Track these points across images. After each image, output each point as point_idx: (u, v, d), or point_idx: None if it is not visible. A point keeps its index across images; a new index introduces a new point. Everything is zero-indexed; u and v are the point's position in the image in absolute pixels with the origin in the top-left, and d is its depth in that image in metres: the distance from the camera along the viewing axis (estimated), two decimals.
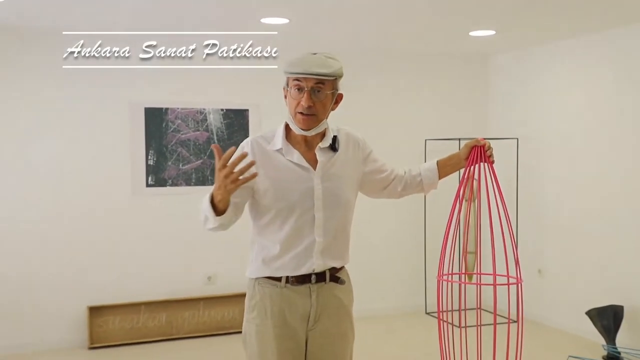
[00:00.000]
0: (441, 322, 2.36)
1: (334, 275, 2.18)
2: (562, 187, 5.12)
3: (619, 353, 4.17)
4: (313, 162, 2.13)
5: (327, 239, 2.12)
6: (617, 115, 4.63)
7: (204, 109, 5.00)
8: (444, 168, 2.31)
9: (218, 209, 1.93)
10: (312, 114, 2.04)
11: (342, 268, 2.24)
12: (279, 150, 2.12)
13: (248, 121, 5.15)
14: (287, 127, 2.16)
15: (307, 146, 2.15)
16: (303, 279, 2.11)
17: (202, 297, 4.96)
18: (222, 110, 5.05)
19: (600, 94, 4.77)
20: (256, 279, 2.17)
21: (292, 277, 2.11)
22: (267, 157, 2.12)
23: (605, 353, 4.27)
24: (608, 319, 4.30)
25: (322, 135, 2.16)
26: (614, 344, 4.25)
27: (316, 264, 2.11)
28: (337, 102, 2.16)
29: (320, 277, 2.13)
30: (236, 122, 5.08)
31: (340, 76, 2.08)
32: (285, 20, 4.35)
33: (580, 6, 3.86)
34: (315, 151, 2.14)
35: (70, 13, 4.23)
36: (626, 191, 4.53)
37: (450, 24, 4.45)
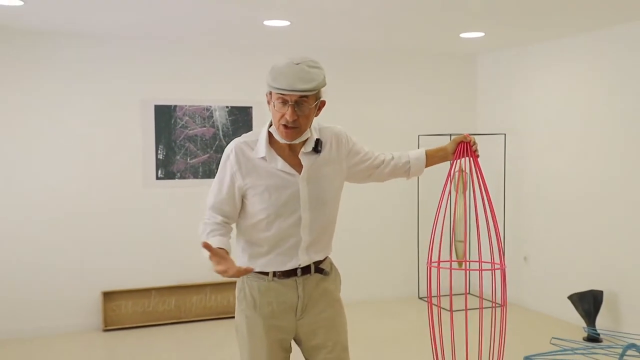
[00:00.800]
0: (431, 306, 2.45)
1: (318, 267, 2.21)
2: (546, 180, 5.32)
3: (599, 335, 4.34)
4: (298, 167, 2.11)
5: (312, 237, 2.14)
6: (598, 112, 4.85)
7: (210, 106, 5.18)
8: (432, 159, 2.35)
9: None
10: (296, 127, 2.01)
11: (325, 259, 2.26)
12: (263, 158, 2.09)
13: (252, 118, 5.37)
14: (269, 132, 2.12)
15: (290, 150, 2.12)
16: (289, 273, 2.14)
17: (209, 283, 5.15)
18: (227, 107, 5.24)
19: (583, 92, 4.99)
20: (247, 275, 2.16)
21: (278, 272, 2.14)
22: (252, 165, 2.10)
23: (585, 335, 4.44)
24: (588, 303, 4.48)
25: (304, 141, 2.11)
26: (594, 326, 4.41)
27: (302, 260, 2.14)
28: (319, 109, 2.12)
29: (306, 270, 2.16)
30: (240, 119, 5.30)
31: (324, 86, 2.03)
32: (286, 23, 4.51)
33: (564, 9, 4.03)
34: (299, 156, 2.11)
35: (86, 16, 4.40)
36: (606, 184, 4.75)
37: (442, 27, 4.62)
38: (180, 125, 5.11)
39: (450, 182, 2.37)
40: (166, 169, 5.10)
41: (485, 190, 2.32)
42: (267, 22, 4.45)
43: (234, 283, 4.73)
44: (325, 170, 2.17)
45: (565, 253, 5.06)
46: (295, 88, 1.93)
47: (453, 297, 2.67)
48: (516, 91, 5.69)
